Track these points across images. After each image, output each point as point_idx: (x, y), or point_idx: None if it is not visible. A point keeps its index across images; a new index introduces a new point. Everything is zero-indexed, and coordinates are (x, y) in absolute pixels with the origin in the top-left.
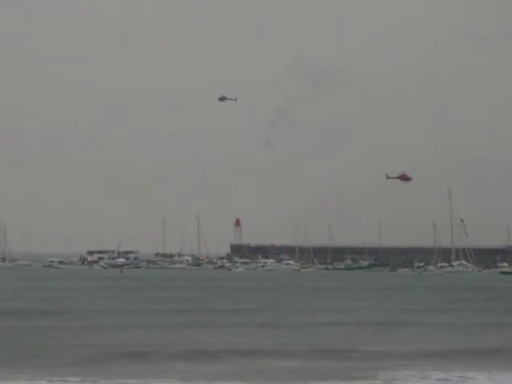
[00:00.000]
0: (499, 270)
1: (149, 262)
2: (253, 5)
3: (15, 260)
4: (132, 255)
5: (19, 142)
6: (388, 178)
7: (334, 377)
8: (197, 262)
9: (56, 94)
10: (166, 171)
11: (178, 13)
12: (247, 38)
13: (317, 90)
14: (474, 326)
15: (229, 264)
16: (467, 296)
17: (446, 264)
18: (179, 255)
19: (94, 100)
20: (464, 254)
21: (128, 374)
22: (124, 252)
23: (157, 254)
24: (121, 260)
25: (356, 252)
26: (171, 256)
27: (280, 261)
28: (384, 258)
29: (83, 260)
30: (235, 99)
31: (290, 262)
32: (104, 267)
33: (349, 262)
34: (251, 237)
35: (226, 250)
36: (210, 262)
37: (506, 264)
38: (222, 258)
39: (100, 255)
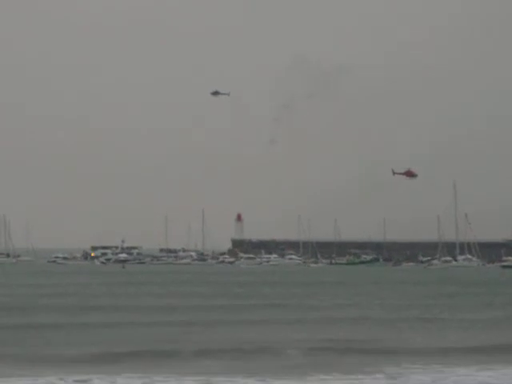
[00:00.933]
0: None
1: (153, 257)
2: (256, 2)
3: (18, 256)
4: (135, 251)
5: (19, 141)
6: (394, 173)
7: (337, 370)
8: (202, 257)
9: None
10: (166, 168)
11: (179, 11)
12: (249, 35)
13: (319, 87)
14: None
15: (231, 259)
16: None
17: (450, 258)
18: (184, 251)
19: (94, 99)
20: (469, 248)
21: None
22: (127, 248)
23: (161, 250)
24: (123, 255)
25: (360, 247)
26: (175, 252)
27: (283, 256)
28: (388, 252)
29: (86, 256)
30: (228, 94)
31: (293, 256)
32: (103, 263)
33: (350, 257)
34: (252, 232)
35: (227, 245)
36: (214, 257)
37: (510, 258)
38: (223, 254)
39: (104, 251)
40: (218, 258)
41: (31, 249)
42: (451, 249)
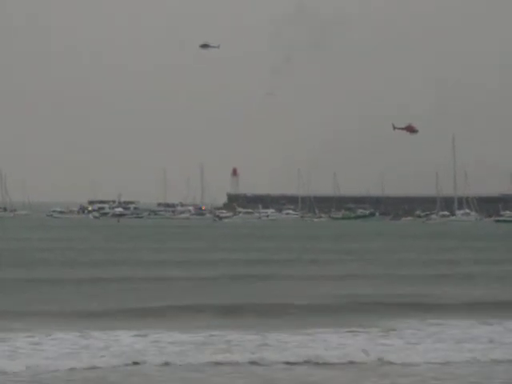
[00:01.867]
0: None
1: (150, 212)
2: None
3: (15, 210)
4: (133, 205)
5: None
6: (395, 128)
7: (332, 326)
8: (200, 211)
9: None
10: (164, 123)
11: None
12: None
13: (318, 37)
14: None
15: (228, 214)
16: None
17: (448, 213)
18: (182, 205)
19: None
20: (467, 202)
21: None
22: (125, 202)
23: (159, 204)
24: (119, 210)
25: (359, 201)
26: (173, 206)
27: (280, 210)
28: (386, 207)
29: (83, 210)
30: (218, 47)
31: (290, 211)
32: (96, 217)
33: (346, 211)
34: (248, 187)
35: (223, 199)
36: (211, 211)
37: (508, 212)
38: (220, 208)
39: (101, 205)
40: (215, 213)
41: (27, 202)
42: (449, 203)
